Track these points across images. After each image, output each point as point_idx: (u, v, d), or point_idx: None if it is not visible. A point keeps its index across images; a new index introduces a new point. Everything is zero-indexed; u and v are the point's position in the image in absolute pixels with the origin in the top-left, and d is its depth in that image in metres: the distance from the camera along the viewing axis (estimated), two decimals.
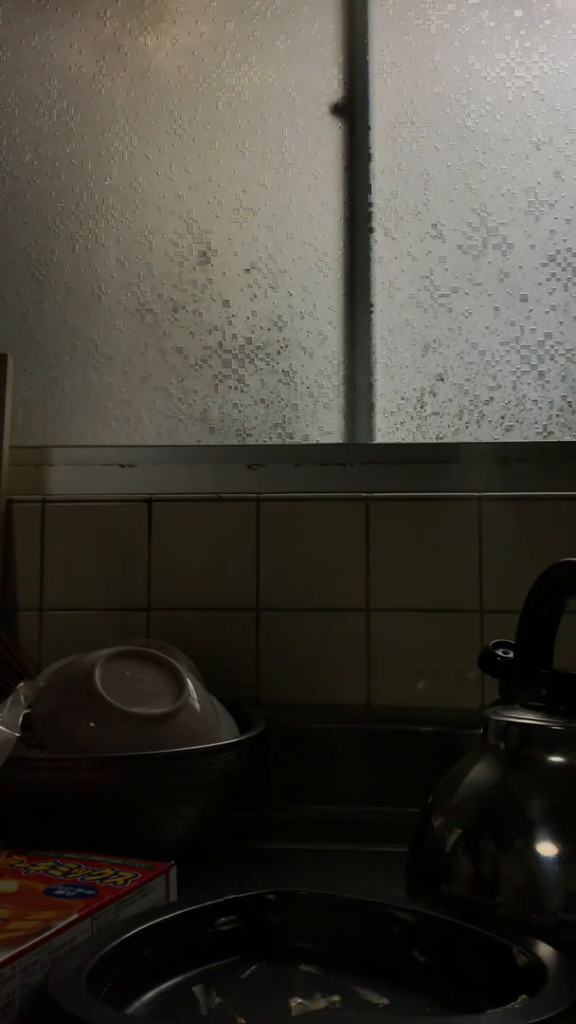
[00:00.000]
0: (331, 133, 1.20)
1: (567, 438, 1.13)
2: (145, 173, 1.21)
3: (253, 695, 1.04)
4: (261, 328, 1.18)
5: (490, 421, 1.15)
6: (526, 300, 1.15)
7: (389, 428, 1.15)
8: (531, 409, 1.14)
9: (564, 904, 0.59)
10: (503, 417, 1.14)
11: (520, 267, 1.16)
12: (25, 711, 0.81)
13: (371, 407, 1.16)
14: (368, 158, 1.19)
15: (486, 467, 1.09)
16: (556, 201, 1.16)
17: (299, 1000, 0.55)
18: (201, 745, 0.81)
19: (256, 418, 1.17)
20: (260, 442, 1.16)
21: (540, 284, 1.15)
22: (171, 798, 0.80)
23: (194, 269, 1.20)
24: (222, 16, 1.21)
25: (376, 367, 1.16)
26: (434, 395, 1.16)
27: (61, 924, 0.56)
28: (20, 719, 0.79)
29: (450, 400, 1.15)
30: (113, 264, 1.20)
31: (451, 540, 1.04)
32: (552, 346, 1.14)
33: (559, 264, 1.15)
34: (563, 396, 1.14)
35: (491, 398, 1.15)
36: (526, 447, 1.11)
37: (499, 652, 0.77)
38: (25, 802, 0.77)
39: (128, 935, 0.56)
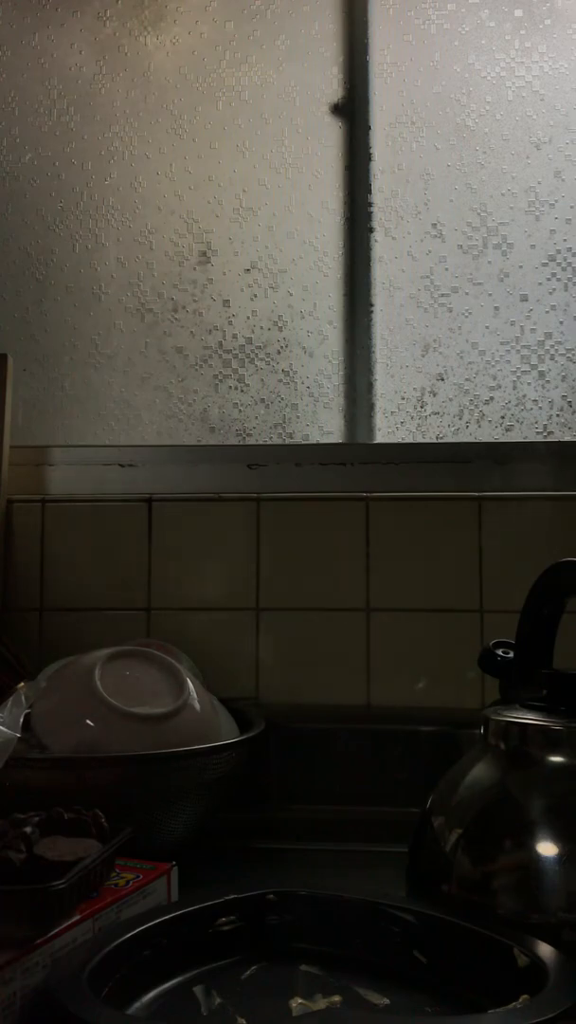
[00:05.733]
0: (331, 133, 1.20)
1: (567, 438, 1.13)
2: (145, 173, 1.21)
3: (253, 695, 1.04)
4: (261, 328, 1.18)
5: (490, 421, 1.15)
6: (526, 300, 1.15)
7: (389, 428, 1.15)
8: (531, 409, 1.14)
9: (564, 904, 0.59)
10: (503, 417, 1.14)
11: (520, 267, 1.16)
12: (25, 711, 0.81)
13: (371, 407, 1.16)
14: (368, 158, 1.19)
15: (486, 467, 1.09)
16: (556, 201, 1.16)
17: (299, 1000, 0.55)
18: (201, 745, 0.81)
19: (256, 418, 1.17)
20: (260, 442, 1.16)
21: (540, 284, 1.15)
22: (171, 798, 0.80)
23: (194, 269, 1.20)
24: (222, 16, 1.21)
25: (376, 367, 1.16)
26: (434, 395, 1.16)
27: (62, 925, 0.56)
28: (20, 719, 0.79)
29: (450, 400, 1.15)
30: (113, 264, 1.20)
31: (451, 540, 1.04)
32: (552, 346, 1.15)
33: (559, 264, 1.15)
34: (563, 396, 1.14)
35: (491, 398, 1.15)
36: (526, 447, 1.11)
37: (499, 652, 0.77)
38: (25, 802, 0.77)
39: (129, 935, 0.56)
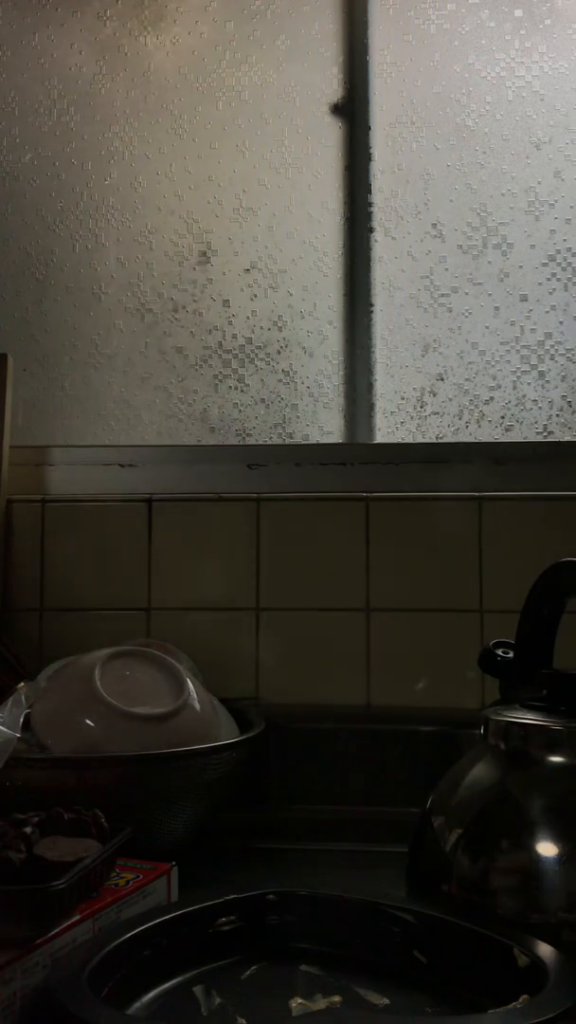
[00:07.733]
0: (331, 133, 1.20)
1: (567, 438, 1.13)
2: (145, 173, 1.21)
3: (253, 695, 1.04)
4: (261, 328, 1.18)
5: (490, 421, 1.15)
6: (526, 300, 1.15)
7: (389, 428, 1.15)
8: (531, 409, 1.14)
9: (564, 904, 0.59)
10: (503, 417, 1.14)
11: (520, 267, 1.16)
12: (25, 711, 0.81)
13: (371, 407, 1.16)
14: (368, 158, 1.19)
15: (486, 467, 1.09)
16: (556, 201, 1.16)
17: (299, 1000, 0.55)
18: (201, 745, 0.81)
19: (256, 418, 1.17)
20: (260, 442, 1.16)
21: (540, 284, 1.15)
22: (171, 798, 0.80)
23: (194, 269, 1.20)
24: (222, 16, 1.21)
25: (376, 367, 1.16)
26: (434, 395, 1.16)
27: (62, 925, 0.56)
28: (20, 719, 0.79)
29: (450, 400, 1.15)
30: (113, 264, 1.20)
31: (451, 540, 1.04)
32: (552, 346, 1.14)
33: (559, 264, 1.15)
34: (563, 396, 1.14)
35: (491, 398, 1.15)
36: (526, 447, 1.11)
37: (499, 652, 0.77)
38: (25, 802, 0.77)
39: (129, 935, 0.56)
